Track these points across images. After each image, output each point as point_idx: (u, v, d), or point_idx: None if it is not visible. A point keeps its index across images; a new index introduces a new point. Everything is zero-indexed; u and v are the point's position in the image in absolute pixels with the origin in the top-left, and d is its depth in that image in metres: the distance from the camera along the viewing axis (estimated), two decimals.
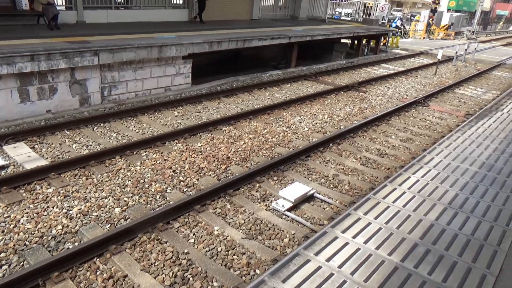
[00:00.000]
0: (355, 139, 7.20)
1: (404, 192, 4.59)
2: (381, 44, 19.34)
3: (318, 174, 5.73)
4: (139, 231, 4.02)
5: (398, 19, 26.40)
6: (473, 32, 33.18)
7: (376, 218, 4.02)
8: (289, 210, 4.74)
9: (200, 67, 10.15)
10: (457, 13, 34.40)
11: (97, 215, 4.30)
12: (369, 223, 3.91)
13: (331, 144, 6.81)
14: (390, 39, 20.20)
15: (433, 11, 27.40)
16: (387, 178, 5.60)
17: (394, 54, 18.39)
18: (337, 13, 21.71)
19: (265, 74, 11.56)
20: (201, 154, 5.93)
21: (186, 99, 8.50)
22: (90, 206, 4.45)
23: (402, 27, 26.37)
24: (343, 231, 3.75)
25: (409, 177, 4.98)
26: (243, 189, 5.10)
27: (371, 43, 18.14)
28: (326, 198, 5.10)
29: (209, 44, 9.47)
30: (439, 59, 14.05)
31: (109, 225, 4.17)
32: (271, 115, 8.09)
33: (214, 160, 5.79)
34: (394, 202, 4.36)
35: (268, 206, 4.80)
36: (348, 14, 20.38)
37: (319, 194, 5.17)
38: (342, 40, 16.73)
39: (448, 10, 48.08)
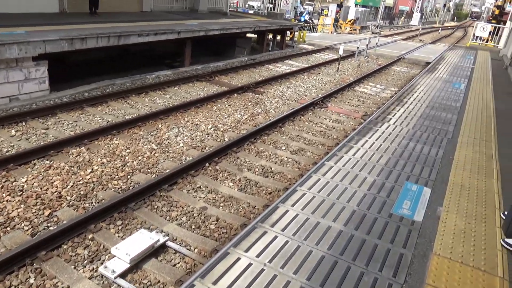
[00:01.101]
0: (238, 155, 6.14)
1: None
2: (288, 38, 18.81)
3: (181, 210, 4.55)
4: None
5: (306, 13, 26.32)
6: (377, 26, 34.68)
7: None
8: (123, 275, 3.48)
9: (71, 69, 8.39)
10: (363, 8, 35.63)
11: None
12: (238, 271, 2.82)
13: (207, 164, 5.66)
14: (297, 33, 19.77)
15: (340, 5, 27.81)
16: (266, 207, 4.59)
17: (300, 49, 17.93)
18: (247, 6, 20.77)
19: (150, 75, 10.09)
20: (19, 195, 4.40)
21: (35, 111, 6.77)
22: None
23: (311, 21, 26.36)
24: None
25: (287, 211, 3.99)
26: (65, 246, 3.72)
27: (278, 38, 17.47)
28: (182, 247, 3.93)
29: (69, 42, 7.76)
30: (340, 55, 13.70)
31: None
32: (142, 128, 6.73)
33: (37, 202, 4.30)
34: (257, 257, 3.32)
35: (96, 271, 3.50)
36: (253, 7, 19.56)
37: (174, 241, 3.99)
38: (247, 35, 15.78)
39: (356, 5, 50.12)
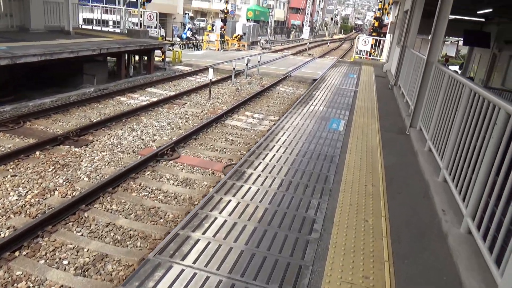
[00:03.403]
0: None
1: None
2: (161, 59, 16.11)
3: None
4: None
5: (188, 30, 23.94)
6: (267, 41, 33.80)
7: None
8: None
9: None
10: (251, 23, 34.52)
11: None
12: None
13: None
14: (172, 53, 17.18)
15: (224, 20, 25.96)
16: None
17: (174, 72, 15.33)
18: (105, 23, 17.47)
19: None
20: None
21: None
22: None
23: (194, 38, 24.03)
24: None
25: None
26: None
27: (144, 60, 14.64)
28: None
29: None
30: (211, 80, 11.37)
31: None
32: None
33: None
34: None
35: None
36: (108, 22, 16.50)
37: None
38: (104, 58, 12.67)
39: (248, 20, 49.62)
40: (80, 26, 15.62)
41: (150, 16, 15.23)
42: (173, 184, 5.87)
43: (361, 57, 20.50)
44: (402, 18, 11.47)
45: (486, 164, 2.65)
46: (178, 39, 25.28)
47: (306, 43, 36.39)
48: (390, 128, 6.61)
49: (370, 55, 20.53)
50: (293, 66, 19.86)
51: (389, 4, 21.92)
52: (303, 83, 15.95)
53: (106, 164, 6.27)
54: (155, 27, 25.42)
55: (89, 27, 15.97)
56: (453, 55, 29.86)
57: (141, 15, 14.48)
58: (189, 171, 6.39)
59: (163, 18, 38.57)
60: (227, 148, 7.63)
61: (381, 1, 23.18)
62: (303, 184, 4.53)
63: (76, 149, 6.71)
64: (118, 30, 15.99)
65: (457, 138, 3.43)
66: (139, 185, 5.67)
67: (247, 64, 14.55)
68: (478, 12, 12.42)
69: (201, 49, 24.07)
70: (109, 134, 7.59)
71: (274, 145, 5.87)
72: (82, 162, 6.22)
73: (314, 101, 8.94)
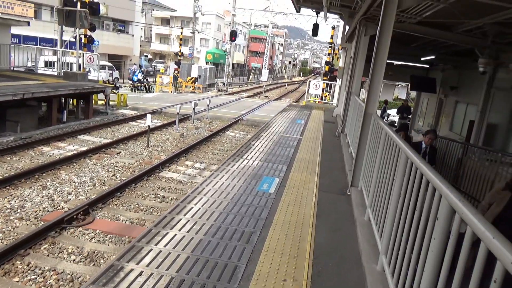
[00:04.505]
0: None
1: None
2: (103, 103, 15.09)
3: None
4: None
5: (139, 72, 23.15)
6: (224, 84, 33.63)
7: None
8: None
9: None
10: (208, 66, 34.35)
11: None
12: None
13: None
14: (116, 97, 16.21)
15: (178, 63, 25.47)
16: None
17: (116, 116, 14.30)
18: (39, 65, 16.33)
19: None
20: None
21: None
22: None
23: (145, 80, 23.24)
24: None
25: None
26: None
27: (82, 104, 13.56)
28: None
29: None
30: (149, 126, 10.47)
31: None
32: None
33: None
34: None
35: None
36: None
37: None
38: (30, 103, 11.49)
39: (207, 62, 49.81)
40: (12, 68, 14.43)
41: (90, 58, 14.32)
42: (73, 260, 4.78)
43: (313, 101, 20.43)
44: (348, 63, 11.31)
45: (434, 263, 1.92)
46: (130, 81, 24.41)
47: (263, 85, 36.55)
48: (330, 186, 5.78)
49: (322, 98, 20.51)
50: (247, 109, 19.38)
51: (339, 50, 22.37)
52: (255, 127, 15.35)
53: None
54: (105, 69, 24.52)
55: (22, 69, 14.79)
56: (404, 98, 30.79)
57: (79, 57, 13.56)
58: (100, 240, 5.33)
59: (119, 60, 37.85)
60: (154, 207, 6.65)
61: (330, 47, 23.69)
62: (198, 285, 3.17)
63: None
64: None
65: (396, 215, 2.73)
66: (27, 266, 4.54)
67: (194, 108, 13.81)
68: (422, 59, 12.54)
69: (153, 92, 23.25)
70: (11, 195, 6.41)
71: (181, 219, 4.48)
72: None
73: (251, 153, 7.92)
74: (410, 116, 17.99)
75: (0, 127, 10.54)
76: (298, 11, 13.29)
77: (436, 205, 1.93)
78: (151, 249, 3.73)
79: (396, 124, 18.04)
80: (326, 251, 3.78)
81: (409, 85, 21.82)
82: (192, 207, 4.83)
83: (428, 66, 15.42)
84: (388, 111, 21.89)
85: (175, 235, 4.06)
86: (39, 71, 15.28)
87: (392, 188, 2.96)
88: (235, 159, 7.32)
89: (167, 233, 4.09)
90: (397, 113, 18.17)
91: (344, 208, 4.81)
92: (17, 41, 23.86)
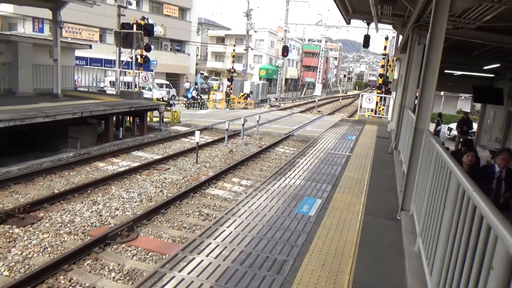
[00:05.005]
0: None
1: None
2: (158, 119, 15.64)
3: None
4: None
5: (193, 90, 23.86)
6: (276, 99, 33.65)
7: None
8: None
9: None
10: (261, 81, 34.63)
11: None
12: None
13: None
14: (170, 114, 16.75)
15: (230, 79, 25.93)
16: None
17: (169, 133, 14.72)
18: (102, 85, 17.42)
19: None
20: None
21: None
22: None
23: (199, 97, 23.88)
24: None
25: None
26: None
27: (138, 121, 14.16)
28: None
29: None
30: (197, 143, 10.57)
31: None
32: None
33: None
34: None
35: None
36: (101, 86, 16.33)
37: None
38: (90, 120, 12.21)
39: (260, 78, 50.38)
40: (76, 89, 15.49)
41: (145, 77, 14.98)
42: (113, 278, 4.79)
43: (367, 116, 19.63)
44: (402, 75, 10.69)
45: None
46: (185, 99, 25.24)
47: (315, 100, 36.05)
48: (378, 209, 5.25)
49: (376, 112, 19.66)
50: (298, 124, 19.09)
51: (393, 61, 21.43)
52: (305, 142, 15.01)
53: (42, 250, 5.27)
54: (163, 87, 25.59)
55: (85, 89, 15.82)
56: (469, 111, 28.75)
57: (135, 76, 14.23)
58: (141, 258, 5.33)
59: (176, 78, 39.52)
60: (198, 225, 6.58)
61: (384, 58, 22.71)
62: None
63: (17, 230, 5.78)
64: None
65: (446, 251, 2.33)
66: (69, 281, 4.62)
67: (243, 124, 13.81)
68: (485, 68, 11.54)
69: (207, 108, 23.80)
70: (64, 209, 6.68)
71: (210, 243, 4.31)
72: (14, 248, 5.25)
73: (295, 171, 7.51)
74: (472, 131, 16.48)
75: (62, 144, 11.25)
76: (348, 23, 12.89)
77: (491, 250, 1.57)
78: (174, 276, 3.58)
79: (456, 139, 16.52)
80: (367, 286, 3.37)
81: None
82: (224, 230, 4.64)
83: (493, 75, 14.18)
84: (450, 125, 20.44)
85: (202, 261, 3.89)
86: (105, 90, 16.23)
87: (443, 217, 2.56)
88: (276, 178, 7.07)
89: (194, 258, 3.93)
90: (457, 127, 16.73)
91: (391, 235, 4.33)
92: (84, 63, 25.77)
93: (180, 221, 6.67)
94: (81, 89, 15.85)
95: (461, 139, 13.97)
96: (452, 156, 5.29)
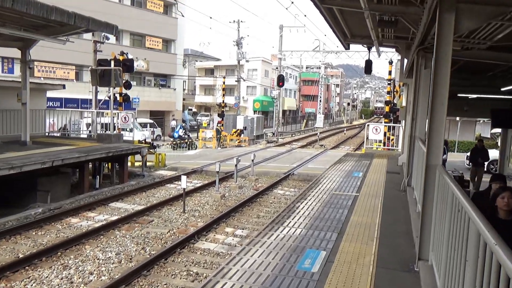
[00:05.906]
0: None
1: None
2: (142, 163, 15.54)
3: None
4: None
5: (180, 128, 23.97)
6: (273, 133, 33.80)
7: None
8: None
9: None
10: (255, 115, 34.93)
11: None
12: None
13: None
14: (154, 157, 16.68)
15: (221, 115, 26.13)
16: None
17: (153, 179, 14.58)
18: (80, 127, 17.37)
19: None
20: None
21: None
22: None
23: (187, 136, 23.94)
24: None
25: None
26: None
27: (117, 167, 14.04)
28: None
29: None
30: (184, 189, 10.42)
31: None
32: None
33: None
34: None
35: None
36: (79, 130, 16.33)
37: None
38: (62, 169, 12.08)
39: (255, 111, 50.89)
40: (48, 134, 15.48)
41: (124, 118, 15.04)
42: None
43: (375, 148, 19.61)
44: (410, 102, 10.77)
45: None
46: (171, 139, 25.30)
47: (317, 133, 36.25)
48: (392, 260, 4.99)
49: (385, 144, 19.65)
50: (299, 162, 19.04)
51: (399, 86, 21.69)
52: (307, 181, 14.86)
53: None
54: (147, 127, 25.68)
55: (57, 134, 15.83)
56: (488, 136, 28.93)
57: (114, 117, 14.27)
58: None
59: (161, 117, 39.80)
60: None
61: (389, 84, 22.95)
62: None
63: None
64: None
65: None
66: None
67: (236, 165, 13.71)
68: (503, 89, 11.66)
69: (196, 148, 23.80)
70: (29, 277, 6.43)
71: None
72: None
73: (294, 218, 7.32)
74: (489, 161, 14.95)
75: (30, 198, 11.05)
76: (347, 48, 13.18)
77: None
78: None
79: (470, 174, 13.63)
80: None
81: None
82: None
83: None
84: (468, 154, 20.30)
85: None
86: (80, 134, 16.22)
87: (465, 272, 2.42)
88: (273, 227, 6.87)
89: None
90: (470, 160, 14.59)
91: None
92: (58, 104, 25.99)
93: (165, 284, 6.41)
94: (55, 134, 15.86)
95: (481, 174, 13.44)
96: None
